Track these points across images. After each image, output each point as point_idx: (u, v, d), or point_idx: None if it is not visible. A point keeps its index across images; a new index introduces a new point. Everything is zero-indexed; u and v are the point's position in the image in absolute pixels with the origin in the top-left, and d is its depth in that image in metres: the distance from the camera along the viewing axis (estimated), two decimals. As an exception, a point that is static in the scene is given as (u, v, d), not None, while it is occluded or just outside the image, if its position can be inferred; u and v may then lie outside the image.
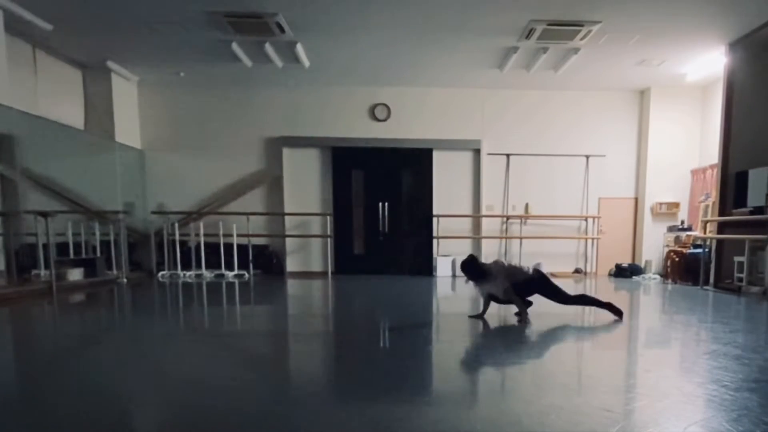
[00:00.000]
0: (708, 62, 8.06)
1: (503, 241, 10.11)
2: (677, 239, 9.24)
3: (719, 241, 7.90)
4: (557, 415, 2.46)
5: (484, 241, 10.05)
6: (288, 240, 9.87)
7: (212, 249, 9.15)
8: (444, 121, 9.81)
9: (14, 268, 7.00)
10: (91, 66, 8.47)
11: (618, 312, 5.15)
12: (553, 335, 4.72)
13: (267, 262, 9.75)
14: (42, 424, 2.47)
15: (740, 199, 7.44)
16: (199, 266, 9.08)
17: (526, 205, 10.05)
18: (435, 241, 9.94)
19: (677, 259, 8.84)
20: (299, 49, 7.58)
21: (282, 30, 6.85)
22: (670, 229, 9.58)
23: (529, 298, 5.21)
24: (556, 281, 5.41)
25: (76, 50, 7.90)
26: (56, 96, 8.04)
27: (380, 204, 10.00)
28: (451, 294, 7.88)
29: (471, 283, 5.20)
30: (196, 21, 6.70)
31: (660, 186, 9.76)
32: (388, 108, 9.78)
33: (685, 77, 8.82)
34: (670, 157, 9.64)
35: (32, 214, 7.00)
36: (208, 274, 9.05)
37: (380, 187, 9.97)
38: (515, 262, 5.99)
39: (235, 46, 7.42)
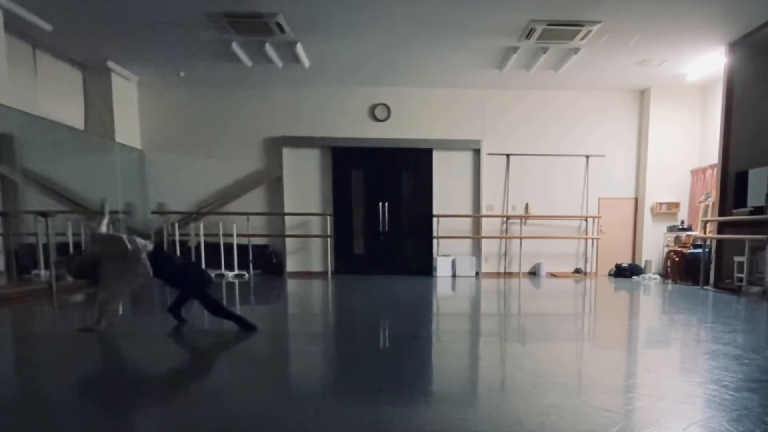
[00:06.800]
0: (708, 62, 8.06)
1: (503, 241, 10.11)
2: (677, 239, 9.24)
3: (719, 241, 7.90)
4: (557, 415, 2.46)
5: (484, 241, 10.05)
6: (288, 240, 9.86)
7: (212, 249, 9.14)
8: (444, 121, 9.81)
9: (14, 268, 7.00)
10: (91, 66, 8.47)
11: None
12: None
13: (267, 262, 9.74)
14: (43, 423, 2.47)
15: (740, 199, 7.44)
16: (199, 266, 9.07)
17: (526, 205, 10.05)
18: (435, 241, 9.93)
19: (677, 259, 8.84)
20: (299, 49, 7.58)
21: (282, 30, 6.85)
22: (670, 229, 9.58)
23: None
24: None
25: (76, 50, 7.90)
26: (56, 96, 8.03)
27: (380, 204, 10.00)
28: (451, 294, 7.88)
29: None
30: (196, 21, 6.69)
31: (660, 186, 9.76)
32: (388, 108, 9.77)
33: (685, 77, 8.82)
34: (670, 157, 9.64)
35: (32, 214, 7.00)
36: (208, 274, 9.03)
37: (380, 187, 9.96)
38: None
39: (235, 46, 7.42)
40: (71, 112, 8.38)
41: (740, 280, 7.32)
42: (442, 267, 9.77)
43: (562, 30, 6.80)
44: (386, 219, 10.01)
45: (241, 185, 9.79)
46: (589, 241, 10.11)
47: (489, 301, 7.32)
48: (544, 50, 7.54)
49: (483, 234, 10.05)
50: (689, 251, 8.66)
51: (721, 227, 7.95)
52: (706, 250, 8.10)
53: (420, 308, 6.48)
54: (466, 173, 10.00)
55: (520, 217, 10.03)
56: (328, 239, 9.66)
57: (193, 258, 9.07)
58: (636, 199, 10.09)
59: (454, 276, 9.70)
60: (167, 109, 9.65)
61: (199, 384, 3.18)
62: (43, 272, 7.17)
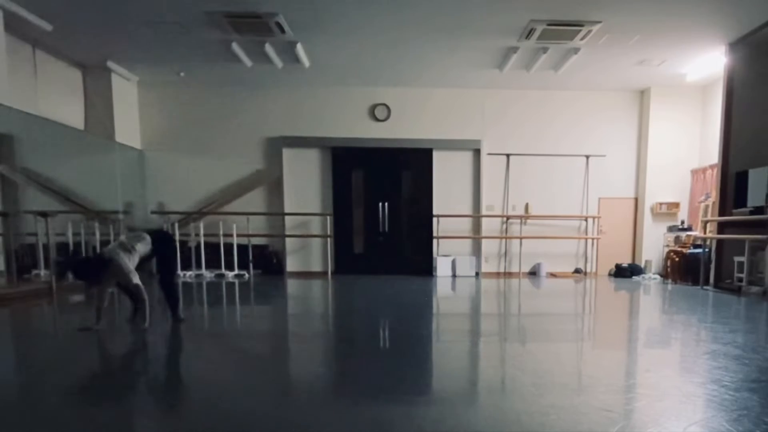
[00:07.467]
0: (708, 62, 8.06)
1: (503, 241, 10.11)
2: (677, 239, 9.25)
3: (719, 241, 7.90)
4: (557, 415, 2.46)
5: (484, 241, 10.05)
6: (288, 240, 9.87)
7: (212, 249, 9.15)
8: (444, 121, 9.81)
9: (14, 268, 7.00)
10: (91, 66, 8.47)
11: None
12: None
13: (267, 262, 9.74)
14: (42, 423, 2.47)
15: (740, 199, 7.44)
16: (199, 266, 9.08)
17: (526, 205, 10.05)
18: (435, 241, 9.93)
19: (677, 259, 8.84)
20: (299, 49, 7.58)
21: (282, 30, 6.85)
22: (670, 229, 9.58)
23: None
24: None
25: (76, 50, 7.90)
26: (56, 96, 8.03)
27: (380, 204, 10.00)
28: (451, 294, 7.88)
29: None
30: (196, 21, 6.69)
31: (660, 186, 9.76)
32: (388, 108, 9.77)
33: (685, 77, 8.82)
34: (670, 157, 9.65)
35: (32, 214, 7.00)
36: (208, 274, 9.05)
37: (380, 187, 9.96)
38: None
39: (235, 46, 7.42)
40: (71, 112, 8.38)
41: (740, 280, 7.32)
42: (442, 267, 9.77)
43: (562, 30, 6.80)
44: (386, 219, 10.01)
45: (241, 185, 9.79)
46: (589, 241, 10.11)
47: (489, 301, 7.32)
48: (544, 50, 7.54)
49: (483, 234, 10.05)
50: (689, 251, 8.66)
51: (721, 227, 7.95)
52: (706, 250, 8.10)
53: (420, 308, 6.48)
54: (466, 173, 10.00)
55: (520, 217, 10.03)
56: (328, 239, 9.67)
57: (193, 258, 9.09)
58: (636, 199, 10.09)
59: (454, 276, 9.69)
60: (167, 109, 9.65)
61: (199, 383, 3.18)
62: (43, 272, 7.18)
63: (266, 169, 9.82)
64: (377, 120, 9.80)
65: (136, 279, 4.36)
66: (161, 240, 4.69)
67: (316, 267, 9.88)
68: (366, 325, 5.32)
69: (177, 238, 9.12)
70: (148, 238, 4.54)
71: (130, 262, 4.35)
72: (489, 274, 9.97)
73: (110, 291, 4.59)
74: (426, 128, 9.79)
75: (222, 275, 9.07)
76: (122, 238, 4.58)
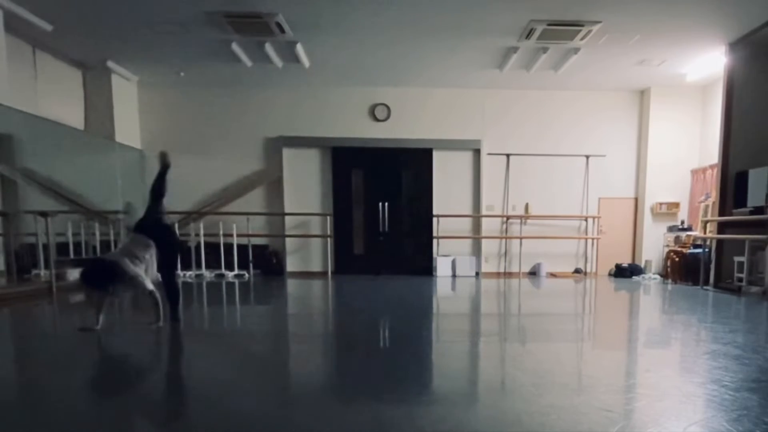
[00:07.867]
0: (708, 62, 8.06)
1: (503, 241, 10.11)
2: (677, 239, 9.24)
3: (719, 241, 7.90)
4: (557, 415, 2.46)
5: (484, 241, 10.04)
6: (288, 240, 9.86)
7: (212, 249, 9.15)
8: (444, 121, 9.80)
9: (14, 268, 6.99)
10: (91, 66, 8.47)
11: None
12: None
13: (267, 262, 9.74)
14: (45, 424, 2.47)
15: (740, 199, 7.44)
16: (199, 266, 9.08)
17: (526, 205, 10.05)
18: (435, 241, 9.93)
19: (677, 259, 8.84)
20: (299, 49, 7.58)
21: (282, 30, 6.85)
22: (670, 229, 9.58)
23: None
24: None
25: (76, 50, 7.90)
26: (56, 96, 8.03)
27: (380, 204, 10.00)
28: (451, 294, 7.88)
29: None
30: (196, 21, 6.69)
31: (660, 186, 9.76)
32: (388, 108, 9.77)
33: (685, 77, 8.82)
34: (670, 157, 9.64)
35: (32, 214, 6.99)
36: (208, 274, 9.04)
37: (380, 187, 9.96)
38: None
39: (235, 46, 7.42)
40: (71, 112, 8.38)
41: (740, 280, 7.32)
42: (442, 267, 9.77)
43: (562, 30, 6.80)
44: (386, 219, 10.01)
45: (241, 185, 9.79)
46: (589, 241, 10.11)
47: (489, 301, 7.32)
48: (544, 50, 7.54)
49: (483, 234, 10.05)
50: (689, 251, 8.66)
51: (721, 227, 7.95)
52: (706, 250, 8.10)
53: (420, 308, 6.48)
54: (466, 173, 10.00)
55: (520, 217, 10.03)
56: (328, 239, 9.66)
57: (193, 258, 9.08)
58: (636, 199, 10.09)
59: (454, 276, 9.69)
60: (167, 109, 9.65)
61: (199, 384, 3.18)
62: (43, 272, 7.17)
63: (266, 169, 9.82)
64: (377, 120, 9.79)
65: (149, 285, 4.37)
66: (162, 237, 4.66)
67: (316, 267, 9.88)
68: (366, 325, 5.32)
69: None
70: (151, 243, 4.50)
71: (140, 269, 4.36)
72: (489, 274, 9.96)
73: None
74: (426, 128, 9.78)
75: (222, 275, 9.07)
76: (128, 245, 4.51)
